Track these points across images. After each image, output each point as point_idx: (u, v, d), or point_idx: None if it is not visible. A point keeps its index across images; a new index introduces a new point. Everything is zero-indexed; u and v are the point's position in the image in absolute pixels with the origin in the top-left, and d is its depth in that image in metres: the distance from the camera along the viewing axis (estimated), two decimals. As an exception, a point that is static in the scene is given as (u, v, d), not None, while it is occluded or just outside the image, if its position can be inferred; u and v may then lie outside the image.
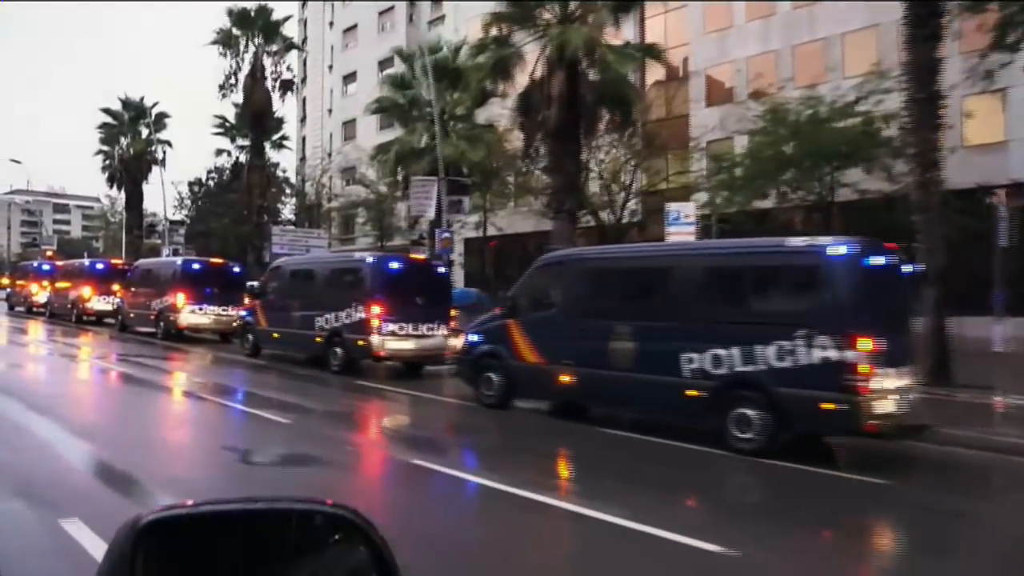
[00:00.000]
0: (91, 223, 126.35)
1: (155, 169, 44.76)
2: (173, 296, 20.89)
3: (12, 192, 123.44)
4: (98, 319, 27.06)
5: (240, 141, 38.12)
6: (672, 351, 8.96)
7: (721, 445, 8.48)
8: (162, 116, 42.52)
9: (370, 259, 14.69)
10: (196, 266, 21.49)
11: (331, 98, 52.84)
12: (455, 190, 22.76)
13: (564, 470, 8.08)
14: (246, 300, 21.77)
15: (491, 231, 35.56)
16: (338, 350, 14.77)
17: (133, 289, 23.50)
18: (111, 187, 46.49)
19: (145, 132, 42.87)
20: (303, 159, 54.49)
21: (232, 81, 31.08)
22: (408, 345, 14.53)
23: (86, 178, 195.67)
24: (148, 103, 43.87)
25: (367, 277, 14.47)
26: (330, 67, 53.31)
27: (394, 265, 14.64)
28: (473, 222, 34.88)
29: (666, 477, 7.63)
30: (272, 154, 40.20)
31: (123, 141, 43.99)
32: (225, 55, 30.87)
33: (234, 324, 19.05)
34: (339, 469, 7.11)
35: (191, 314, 20.84)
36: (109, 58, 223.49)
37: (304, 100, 55.65)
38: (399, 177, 27.47)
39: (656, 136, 28.86)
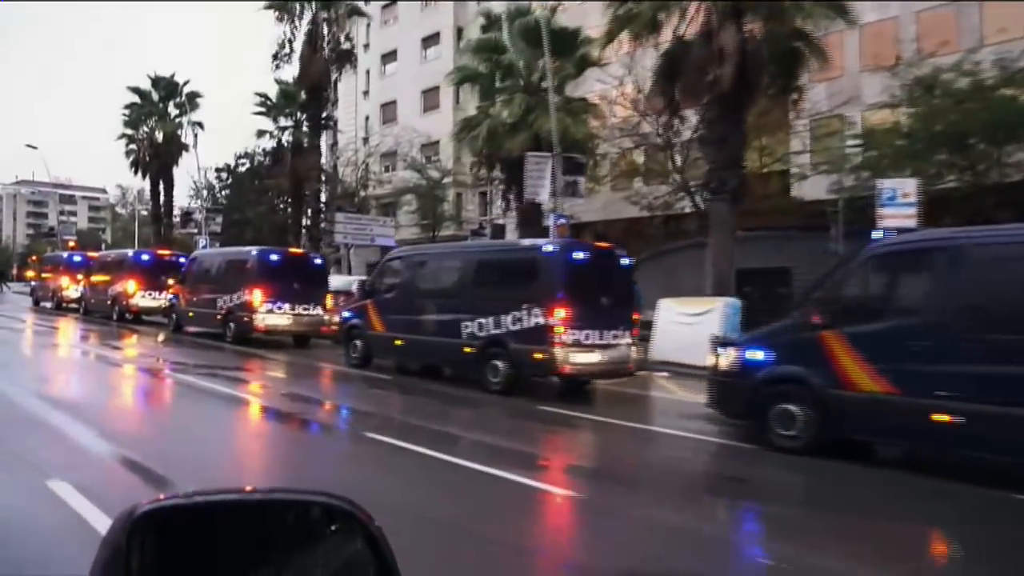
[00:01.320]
0: (98, 214, 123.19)
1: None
2: (248, 292, 17.61)
3: (18, 183, 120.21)
4: (135, 316, 23.81)
5: (283, 121, 34.74)
6: None
7: None
8: (194, 95, 39.15)
9: (549, 247, 11.36)
10: (274, 257, 18.18)
11: (367, 79, 49.42)
12: (570, 169, 19.54)
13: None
14: (329, 298, 18.70)
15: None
16: (499, 364, 11.50)
17: (192, 284, 20.22)
18: (135, 173, 43.02)
19: (176, 112, 39.53)
20: (335, 144, 50.93)
21: (287, 51, 27.83)
22: (595, 358, 11.29)
23: (91, 169, 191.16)
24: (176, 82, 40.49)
25: (546, 271, 11.16)
26: (366, 46, 49.77)
27: (579, 255, 11.34)
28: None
29: None
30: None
31: (151, 122, 40.58)
32: (281, 19, 27.58)
33: (333, 327, 15.75)
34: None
35: (269, 314, 17.59)
36: (113, 48, 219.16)
37: (335, 81, 52.20)
38: (481, 157, 24.13)
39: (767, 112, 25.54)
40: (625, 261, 12.07)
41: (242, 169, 47.50)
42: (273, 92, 34.70)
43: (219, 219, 35.13)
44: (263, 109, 34.62)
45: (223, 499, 1.25)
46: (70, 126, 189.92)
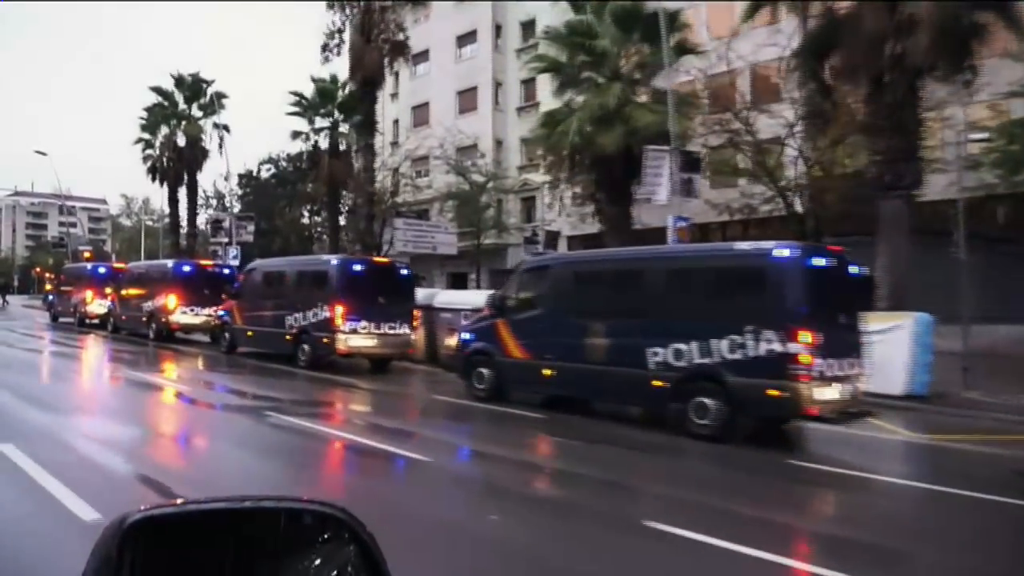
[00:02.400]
0: (98, 225, 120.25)
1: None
2: (328, 309, 15.03)
3: (16, 194, 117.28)
4: (170, 334, 21.26)
5: (319, 122, 32.17)
6: None
7: None
8: (220, 96, 36.49)
9: (784, 251, 8.67)
10: (358, 267, 15.52)
11: (396, 81, 46.88)
12: (687, 165, 17.08)
13: None
14: (415, 315, 16.17)
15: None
16: (708, 402, 8.94)
17: (250, 299, 17.61)
18: (152, 179, 40.31)
19: (200, 114, 36.99)
20: (358, 149, 48.05)
21: (336, 41, 25.32)
22: (835, 393, 8.74)
23: (91, 179, 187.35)
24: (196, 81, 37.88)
25: (781, 282, 8.58)
26: (393, 46, 47.35)
27: (820, 261, 8.80)
28: (582, 212, 29.27)
29: None
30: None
31: (173, 125, 37.99)
32: (332, 6, 25.07)
33: (451, 351, 13.12)
34: None
35: (353, 334, 15.00)
36: (113, 58, 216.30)
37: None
38: (561, 155, 21.60)
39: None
40: (855, 269, 9.58)
41: (265, 175, 45.00)
42: (308, 91, 32.14)
43: (251, 227, 32.51)
44: (298, 109, 32.03)
45: (214, 507, 1.21)
46: (67, 136, 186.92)
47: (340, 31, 25.20)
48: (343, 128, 31.83)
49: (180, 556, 1.14)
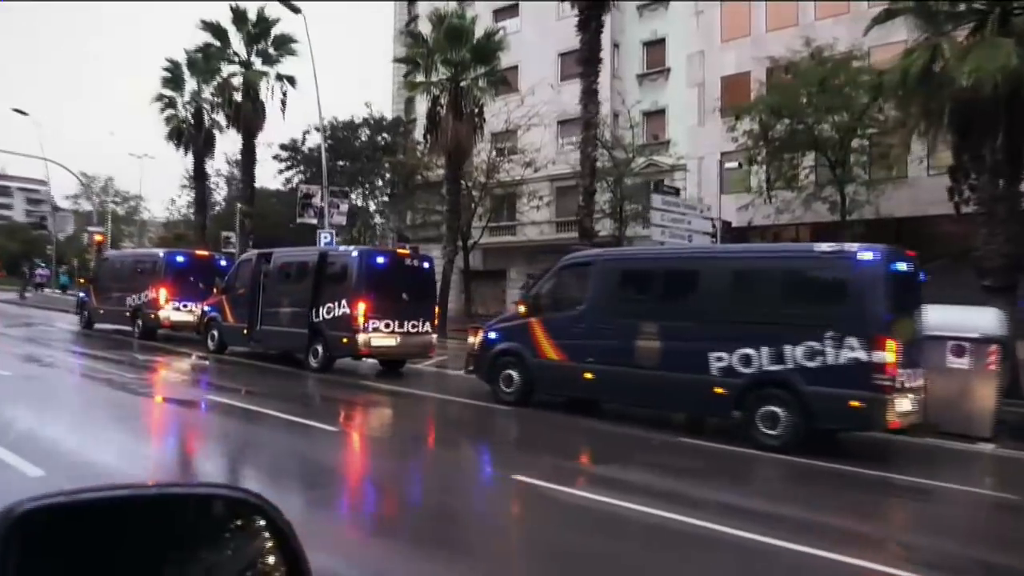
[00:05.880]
0: (36, 208, 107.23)
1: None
2: (865, 346, 7.78)
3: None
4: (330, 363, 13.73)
5: (440, 73, 24.46)
6: None
7: None
8: (285, 40, 28.32)
9: None
10: (903, 266, 8.29)
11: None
12: None
13: None
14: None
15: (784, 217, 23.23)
16: None
17: (582, 318, 10.25)
18: (177, 146, 31.74)
19: (260, 62, 28.72)
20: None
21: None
22: None
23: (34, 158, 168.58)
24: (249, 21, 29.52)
25: None
26: (475, 0, 39.54)
27: None
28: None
29: None
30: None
31: (213, 72, 29.59)
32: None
33: None
34: None
35: (904, 393, 7.91)
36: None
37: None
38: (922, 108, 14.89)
39: None
40: None
41: (312, 146, 36.71)
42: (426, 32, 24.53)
43: (344, 207, 24.70)
44: (414, 54, 24.27)
45: (114, 495, 1.11)
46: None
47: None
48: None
49: (78, 548, 1.01)
